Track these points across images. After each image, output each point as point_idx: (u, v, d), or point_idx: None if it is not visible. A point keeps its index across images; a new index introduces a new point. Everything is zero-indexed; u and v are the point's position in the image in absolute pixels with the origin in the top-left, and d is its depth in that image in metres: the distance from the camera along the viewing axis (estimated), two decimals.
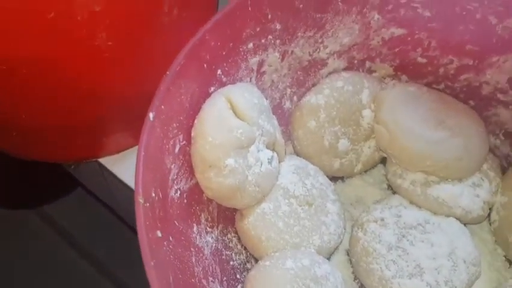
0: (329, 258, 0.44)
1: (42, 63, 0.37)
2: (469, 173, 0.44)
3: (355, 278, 0.44)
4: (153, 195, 0.32)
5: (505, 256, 0.45)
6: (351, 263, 0.44)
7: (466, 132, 0.44)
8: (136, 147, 0.32)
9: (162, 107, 0.34)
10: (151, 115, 0.33)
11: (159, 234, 0.32)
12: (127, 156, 0.53)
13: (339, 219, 0.44)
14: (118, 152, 0.52)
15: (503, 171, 0.47)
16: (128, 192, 0.51)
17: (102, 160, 0.53)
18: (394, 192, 0.47)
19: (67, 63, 0.38)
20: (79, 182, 0.54)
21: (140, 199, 0.30)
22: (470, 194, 0.44)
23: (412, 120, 0.43)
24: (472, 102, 0.48)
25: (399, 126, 0.43)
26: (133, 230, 0.30)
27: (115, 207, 0.52)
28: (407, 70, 0.49)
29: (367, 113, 0.46)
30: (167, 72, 0.35)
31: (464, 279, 0.41)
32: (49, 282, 0.49)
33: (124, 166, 0.52)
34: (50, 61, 0.37)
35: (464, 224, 0.44)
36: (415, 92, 0.46)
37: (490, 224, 0.46)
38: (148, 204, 0.31)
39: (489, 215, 0.46)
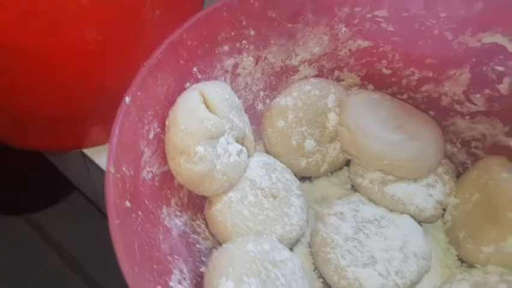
0: (291, 249, 0.47)
1: (34, 51, 0.40)
2: (423, 174, 0.47)
3: (315, 269, 0.47)
4: (124, 170, 0.35)
5: (457, 255, 0.47)
6: (312, 254, 0.47)
7: (423, 137, 0.47)
8: None
9: (138, 93, 0.38)
10: (127, 99, 0.37)
11: (128, 204, 0.34)
12: None
13: (302, 212, 0.46)
14: (102, 143, 0.54)
15: (459, 177, 0.50)
16: None
17: (86, 151, 0.55)
18: (356, 191, 0.50)
19: (55, 52, 0.41)
20: (61, 172, 0.56)
21: (111, 169, 0.33)
22: (424, 194, 0.47)
23: (372, 122, 0.47)
24: (432, 112, 0.51)
25: (360, 127, 0.47)
26: None
27: (96, 199, 0.55)
28: (372, 80, 0.52)
29: (332, 116, 0.50)
30: (145, 63, 0.38)
31: (414, 271, 0.43)
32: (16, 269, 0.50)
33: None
34: (42, 49, 0.41)
35: (420, 224, 0.47)
36: (378, 99, 0.49)
37: (444, 224, 0.49)
38: (118, 175, 0.34)
39: (444, 216, 0.49)
